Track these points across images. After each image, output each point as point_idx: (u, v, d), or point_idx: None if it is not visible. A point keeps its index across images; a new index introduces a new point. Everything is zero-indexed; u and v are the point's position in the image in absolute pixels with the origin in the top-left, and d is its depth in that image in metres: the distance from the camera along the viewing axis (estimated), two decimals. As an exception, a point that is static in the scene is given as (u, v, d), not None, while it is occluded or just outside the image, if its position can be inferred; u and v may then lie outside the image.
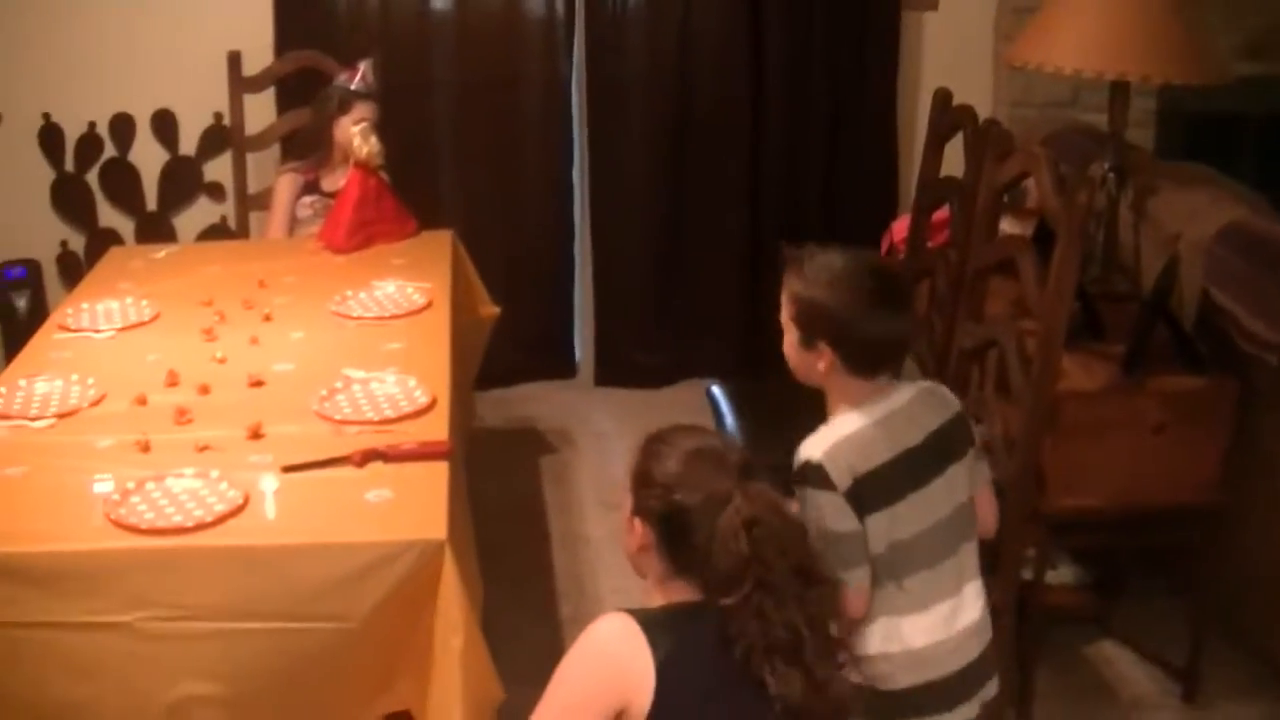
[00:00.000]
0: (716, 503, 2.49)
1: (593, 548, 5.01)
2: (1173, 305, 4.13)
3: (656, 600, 2.63)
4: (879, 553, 2.86)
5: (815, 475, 2.82)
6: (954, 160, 4.68)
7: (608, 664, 2.50)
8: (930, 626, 2.93)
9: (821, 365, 2.92)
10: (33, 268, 6.02)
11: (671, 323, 6.31)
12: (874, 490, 2.84)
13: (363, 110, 5.16)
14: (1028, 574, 4.02)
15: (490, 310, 4.99)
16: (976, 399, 3.89)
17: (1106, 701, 4.22)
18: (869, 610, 2.89)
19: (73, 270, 5.95)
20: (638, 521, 2.64)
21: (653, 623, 2.51)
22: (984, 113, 4.51)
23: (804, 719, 2.47)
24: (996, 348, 3.88)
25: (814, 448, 2.85)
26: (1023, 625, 3.98)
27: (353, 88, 5.19)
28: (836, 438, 2.86)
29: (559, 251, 6.28)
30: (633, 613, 2.54)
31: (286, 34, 5.76)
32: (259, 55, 5.72)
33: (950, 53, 6.11)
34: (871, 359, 2.92)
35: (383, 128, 5.09)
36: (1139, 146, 5.19)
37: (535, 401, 6.22)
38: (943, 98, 4.71)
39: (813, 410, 2.99)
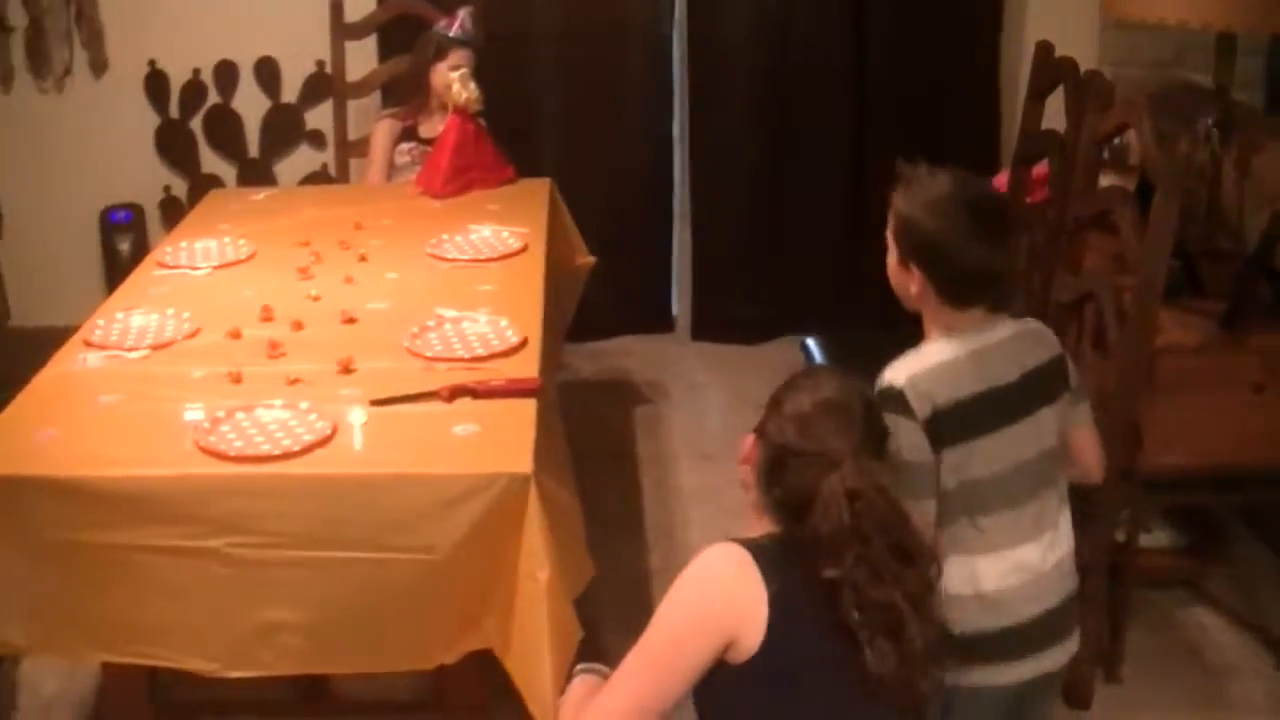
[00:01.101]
0: (823, 462, 2.47)
1: (684, 499, 5.00)
2: (1276, 263, 4.06)
3: (753, 527, 2.61)
4: (950, 488, 2.81)
5: (894, 401, 2.78)
6: (1055, 117, 4.63)
7: (721, 591, 2.46)
8: (1005, 570, 2.86)
9: (914, 288, 2.89)
10: (137, 212, 6.11)
11: (770, 278, 6.27)
12: (953, 423, 2.80)
13: (459, 57, 5.17)
14: (1121, 535, 3.99)
15: (586, 259, 4.99)
16: (1073, 354, 3.84)
17: (1197, 667, 4.15)
18: (943, 548, 2.83)
19: (175, 215, 5.97)
20: (754, 439, 2.64)
21: (763, 554, 2.47)
22: (1088, 71, 4.46)
23: (892, 693, 2.45)
24: (1093, 302, 3.84)
25: (898, 373, 2.82)
26: (1114, 586, 3.95)
27: (450, 34, 5.20)
28: (922, 366, 2.83)
29: (657, 205, 6.28)
30: (743, 543, 2.51)
31: (389, -19, 5.77)
32: (361, 2, 5.75)
33: (1055, 9, 6.03)
34: (961, 289, 2.87)
35: (482, 75, 5.09)
36: (1245, 103, 5.11)
37: (631, 354, 6.21)
38: (1045, 50, 4.64)
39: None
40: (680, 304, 6.45)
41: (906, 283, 2.91)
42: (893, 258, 2.94)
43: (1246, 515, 4.75)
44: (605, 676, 2.62)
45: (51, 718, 3.99)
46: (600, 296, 5.22)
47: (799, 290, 6.22)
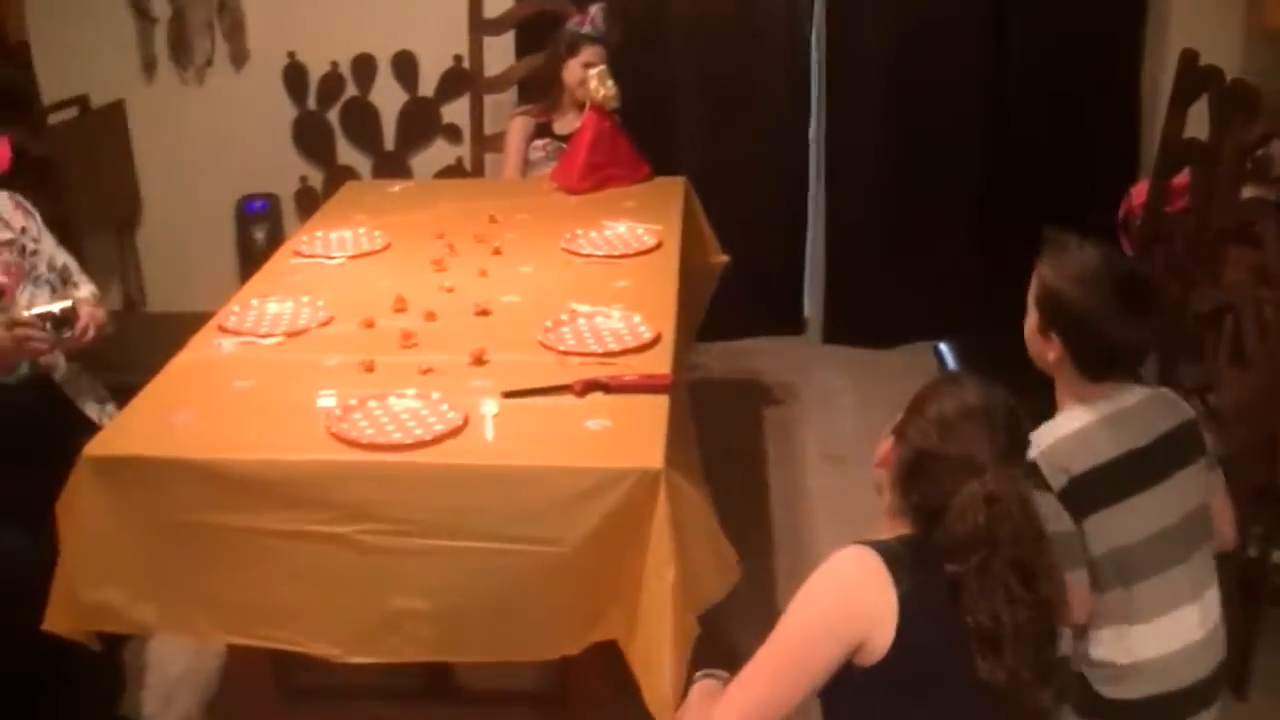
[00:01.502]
0: (965, 467, 2.44)
1: (814, 501, 4.96)
2: None
3: (883, 529, 2.58)
4: (1100, 555, 2.82)
5: (1034, 473, 2.77)
6: (1198, 128, 4.56)
7: (852, 593, 2.46)
8: (1161, 637, 2.86)
9: (1052, 356, 2.91)
10: (273, 201, 6.19)
11: (903, 282, 6.21)
12: (1093, 490, 2.80)
13: (591, 54, 5.19)
14: (1253, 551, 3.92)
15: (719, 259, 4.96)
16: (1210, 367, 3.79)
17: (1327, 690, 4.08)
18: (1096, 617, 2.85)
19: (310, 205, 6.05)
20: (892, 441, 2.61)
21: (893, 557, 2.46)
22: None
23: (1005, 705, 2.41)
24: (1233, 314, 3.78)
25: (1032, 445, 2.79)
26: (1245, 605, 3.88)
27: (582, 31, 5.23)
28: (1056, 435, 2.85)
29: (792, 206, 6.24)
30: (873, 545, 2.49)
31: (529, -22, 5.77)
32: (497, 1, 5.76)
33: (1198, 19, 5.93)
34: (1101, 362, 2.89)
35: (619, 73, 5.09)
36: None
37: (761, 355, 6.18)
38: (1189, 58, 4.57)
39: (1043, 373, 2.95)
40: (812, 306, 6.40)
41: (1045, 350, 2.93)
42: (1032, 322, 2.95)
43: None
44: (725, 682, 2.62)
45: (176, 697, 4.05)
46: (731, 296, 5.17)
47: (932, 295, 6.15)
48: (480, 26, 5.67)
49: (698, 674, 2.78)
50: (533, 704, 3.73)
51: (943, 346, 4.67)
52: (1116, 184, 5.66)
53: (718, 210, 5.07)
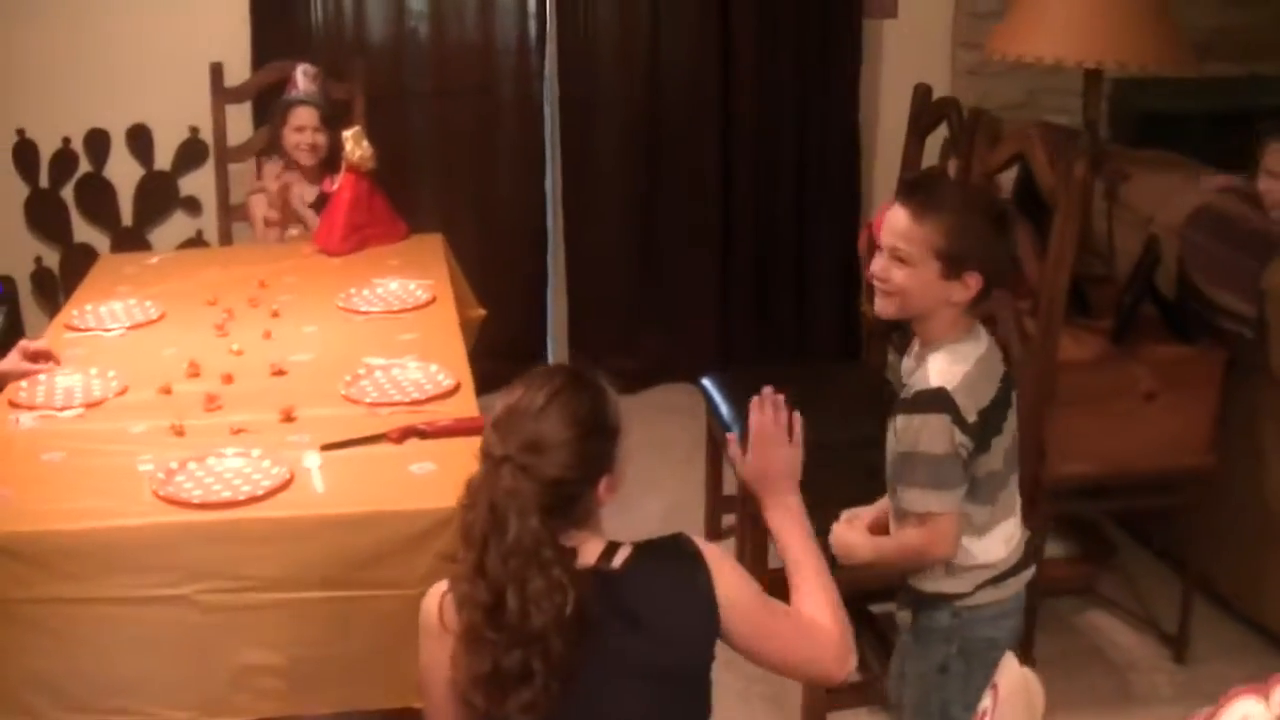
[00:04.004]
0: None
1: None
2: (1156, 283, 4.28)
3: None
4: (982, 476, 3.01)
5: (942, 401, 2.93)
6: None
7: (428, 638, 2.49)
8: (1006, 537, 3.12)
9: (960, 296, 2.95)
10: (8, 284, 6.03)
11: (646, 327, 6.39)
12: (993, 417, 3.00)
13: (303, 116, 5.29)
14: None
15: (477, 313, 5.04)
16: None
17: (1102, 666, 4.36)
18: (988, 523, 3.08)
19: (48, 286, 5.98)
20: None
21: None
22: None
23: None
24: (993, 325, 4.00)
25: (946, 378, 2.95)
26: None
27: (290, 96, 5.32)
28: (963, 371, 2.96)
29: (532, 260, 6.35)
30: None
31: (264, 47, 5.79)
32: (234, 70, 5.75)
33: (910, 58, 6.24)
34: (1004, 279, 3.12)
35: (335, 130, 5.21)
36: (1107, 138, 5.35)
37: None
38: (923, 93, 4.84)
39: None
40: (556, 355, 6.49)
41: (950, 293, 2.95)
42: (928, 273, 2.94)
43: (1124, 520, 4.97)
44: None
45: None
46: (476, 350, 5.22)
47: (676, 339, 6.34)
48: (222, 95, 5.65)
49: None
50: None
51: (706, 381, 4.80)
52: (842, 214, 5.97)
53: (460, 266, 5.14)
